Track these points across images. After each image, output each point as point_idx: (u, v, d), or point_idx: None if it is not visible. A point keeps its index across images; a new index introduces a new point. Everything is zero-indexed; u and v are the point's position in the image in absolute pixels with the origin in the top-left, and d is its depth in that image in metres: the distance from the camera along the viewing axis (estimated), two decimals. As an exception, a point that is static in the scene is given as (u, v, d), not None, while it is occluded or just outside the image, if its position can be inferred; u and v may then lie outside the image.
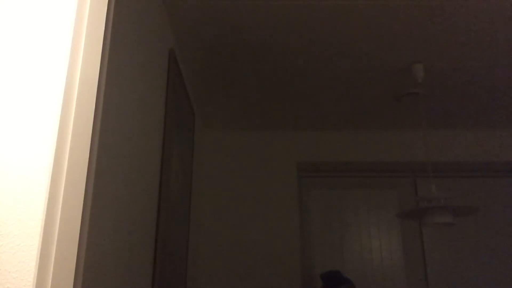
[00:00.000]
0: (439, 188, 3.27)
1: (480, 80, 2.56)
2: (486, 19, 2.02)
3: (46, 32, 0.95)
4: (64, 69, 0.92)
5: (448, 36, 2.15)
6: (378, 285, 3.04)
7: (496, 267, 3.11)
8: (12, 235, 0.82)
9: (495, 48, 2.25)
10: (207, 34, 2.16)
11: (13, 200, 0.84)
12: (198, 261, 2.88)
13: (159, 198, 1.74)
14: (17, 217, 0.83)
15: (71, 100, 0.91)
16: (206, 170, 3.14)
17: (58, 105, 0.90)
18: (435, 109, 2.92)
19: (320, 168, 3.24)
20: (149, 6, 1.68)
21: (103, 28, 1.03)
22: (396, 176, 3.32)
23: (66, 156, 0.88)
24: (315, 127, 3.22)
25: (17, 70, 0.92)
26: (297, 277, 2.85)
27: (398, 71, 2.46)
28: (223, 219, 3.04)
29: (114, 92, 1.24)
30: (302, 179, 3.22)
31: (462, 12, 1.98)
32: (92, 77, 0.98)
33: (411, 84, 2.59)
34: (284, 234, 2.95)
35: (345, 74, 2.50)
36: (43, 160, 0.86)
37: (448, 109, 2.93)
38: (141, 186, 1.54)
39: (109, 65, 1.07)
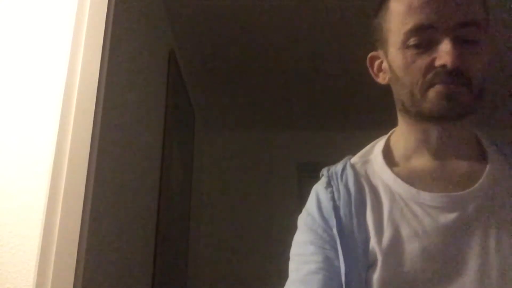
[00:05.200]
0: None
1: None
2: (486, 19, 2.02)
3: (46, 33, 0.95)
4: (64, 69, 0.93)
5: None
6: (378, 285, 3.04)
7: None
8: (12, 235, 0.82)
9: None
10: (207, 35, 2.16)
11: (13, 201, 0.84)
12: (198, 261, 2.88)
13: (159, 198, 1.74)
14: (17, 217, 0.83)
15: (71, 100, 0.92)
16: (206, 170, 3.14)
17: (58, 105, 0.90)
18: (435, 109, 2.91)
19: (320, 168, 3.23)
20: (149, 7, 1.68)
21: (103, 29, 1.03)
22: (396, 176, 3.31)
23: (66, 156, 0.88)
24: (315, 127, 3.21)
25: (18, 71, 0.93)
26: (297, 277, 2.85)
27: (398, 71, 2.46)
28: (223, 219, 3.03)
29: (114, 92, 1.24)
30: (302, 179, 3.21)
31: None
32: (92, 78, 0.98)
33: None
34: (284, 234, 2.94)
35: (345, 74, 2.50)
36: (43, 161, 0.86)
37: (448, 109, 2.92)
38: (141, 186, 1.54)
39: (109, 66, 1.07)
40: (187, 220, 2.44)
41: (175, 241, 2.12)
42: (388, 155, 0.76)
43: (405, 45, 0.68)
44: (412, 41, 0.67)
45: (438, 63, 0.65)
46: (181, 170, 2.26)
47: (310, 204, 0.78)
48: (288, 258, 0.76)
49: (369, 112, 2.95)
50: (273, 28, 2.10)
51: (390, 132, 0.81)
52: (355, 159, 0.80)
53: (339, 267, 0.67)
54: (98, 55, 1.00)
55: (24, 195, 0.83)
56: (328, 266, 0.68)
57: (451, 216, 0.65)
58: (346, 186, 0.74)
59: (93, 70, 0.98)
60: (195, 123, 2.71)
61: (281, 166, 3.16)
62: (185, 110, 2.37)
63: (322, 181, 0.79)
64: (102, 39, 1.02)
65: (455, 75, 0.64)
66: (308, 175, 3.30)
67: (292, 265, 0.73)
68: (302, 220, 0.78)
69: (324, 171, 0.81)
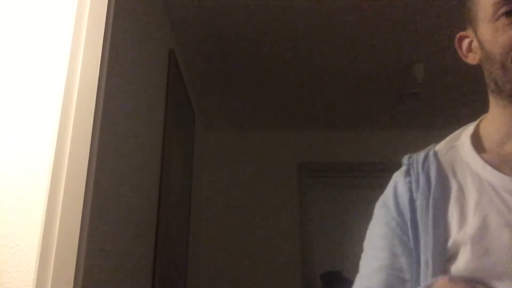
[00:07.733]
0: (439, 188, 3.25)
1: (480, 80, 2.55)
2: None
3: (46, 33, 0.95)
4: (64, 70, 0.93)
5: (447, 36, 2.15)
6: (378, 285, 3.04)
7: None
8: (12, 235, 0.82)
9: (495, 48, 2.24)
10: (207, 34, 2.16)
11: (13, 201, 0.84)
12: (198, 261, 2.88)
13: (159, 198, 1.74)
14: (17, 217, 0.83)
15: (71, 100, 0.92)
16: (206, 170, 3.14)
17: (58, 105, 0.90)
18: (435, 109, 2.92)
19: (320, 168, 3.24)
20: (149, 7, 1.68)
21: (103, 29, 1.03)
22: (396, 176, 3.30)
23: (66, 157, 0.88)
24: (315, 127, 3.21)
25: (18, 71, 0.92)
26: (297, 277, 2.85)
27: (398, 71, 2.46)
28: (223, 219, 3.03)
29: (114, 93, 1.24)
30: (302, 179, 3.21)
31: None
32: (92, 78, 0.98)
33: (411, 84, 2.58)
34: (284, 234, 2.95)
35: (346, 74, 2.50)
36: (43, 161, 0.86)
37: (448, 109, 2.92)
38: (141, 186, 1.54)
39: (109, 66, 1.07)
40: (187, 220, 2.44)
41: (175, 241, 2.12)
42: (476, 141, 0.72)
43: (495, 17, 0.65)
44: (502, 10, 0.64)
45: None
46: (181, 170, 2.26)
47: (388, 193, 0.75)
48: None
49: (369, 112, 2.95)
50: (272, 28, 2.10)
51: (481, 117, 0.77)
52: (440, 145, 0.76)
53: (405, 263, 0.65)
54: (98, 55, 1.00)
55: (24, 195, 0.83)
56: (393, 264, 0.66)
57: None
58: (427, 175, 0.70)
59: (93, 70, 0.98)
60: (195, 123, 2.71)
61: (281, 166, 3.16)
62: (185, 110, 2.37)
63: (402, 170, 0.75)
64: (102, 39, 1.02)
65: None
66: (308, 175, 3.30)
67: (362, 259, 0.72)
68: (377, 209, 0.75)
69: (404, 159, 0.77)
